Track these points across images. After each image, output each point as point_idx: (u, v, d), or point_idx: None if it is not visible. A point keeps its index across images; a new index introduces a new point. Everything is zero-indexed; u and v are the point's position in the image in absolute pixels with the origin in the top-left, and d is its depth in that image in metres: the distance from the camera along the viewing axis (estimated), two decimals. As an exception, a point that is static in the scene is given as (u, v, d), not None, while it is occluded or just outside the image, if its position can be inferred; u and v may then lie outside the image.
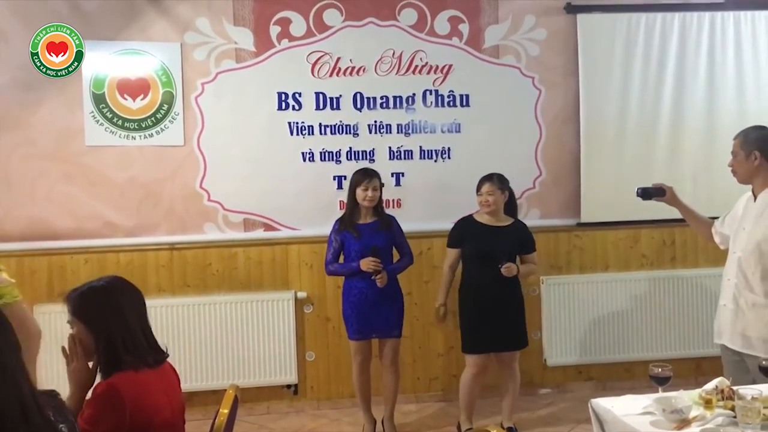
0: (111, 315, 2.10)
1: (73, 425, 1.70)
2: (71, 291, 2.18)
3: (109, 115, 4.49)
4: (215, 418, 2.26)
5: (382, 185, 4.18)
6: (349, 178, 4.42)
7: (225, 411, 2.25)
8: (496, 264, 3.91)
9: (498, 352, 4.08)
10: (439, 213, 4.31)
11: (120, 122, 4.50)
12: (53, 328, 4.22)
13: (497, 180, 4.07)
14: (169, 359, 2.25)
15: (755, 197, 3.08)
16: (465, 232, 4.10)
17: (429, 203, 4.52)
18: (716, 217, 3.38)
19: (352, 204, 4.11)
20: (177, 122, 4.56)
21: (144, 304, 2.23)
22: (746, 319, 3.01)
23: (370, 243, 4.03)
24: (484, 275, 3.99)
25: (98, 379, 2.12)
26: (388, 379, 4.20)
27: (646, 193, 3.36)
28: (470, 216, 4.16)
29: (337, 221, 4.16)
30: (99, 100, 4.47)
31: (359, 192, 4.07)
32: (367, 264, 3.97)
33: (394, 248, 4.18)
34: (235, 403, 2.38)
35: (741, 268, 3.04)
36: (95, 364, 2.13)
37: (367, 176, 4.09)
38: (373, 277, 3.99)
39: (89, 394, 2.10)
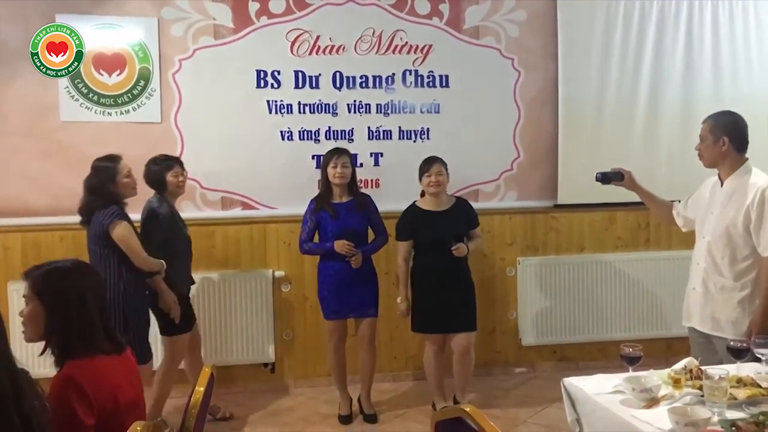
0: (72, 300, 2.01)
1: (42, 401, 1.71)
2: (34, 267, 2.07)
3: (85, 91, 4.43)
4: (191, 396, 2.26)
5: (354, 164, 4.22)
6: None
7: (201, 389, 2.26)
8: (448, 249, 3.95)
9: (449, 333, 4.11)
10: (418, 193, 4.31)
11: (96, 98, 4.45)
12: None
13: (441, 162, 4.10)
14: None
15: (722, 182, 3.12)
16: (415, 223, 4.11)
17: (407, 183, 4.49)
18: (678, 200, 3.42)
19: (326, 184, 4.12)
20: (154, 99, 4.51)
21: (105, 293, 2.16)
22: (715, 302, 3.07)
23: (346, 223, 4.05)
24: (437, 261, 4.04)
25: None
26: (365, 358, 4.24)
27: (605, 178, 3.37)
28: (413, 205, 4.17)
29: (312, 201, 4.16)
30: (74, 75, 4.40)
31: (329, 170, 4.08)
32: (341, 246, 3.99)
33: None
34: (211, 381, 2.38)
35: (710, 252, 3.08)
36: (45, 347, 2.03)
37: (336, 153, 4.11)
38: (347, 259, 4.01)
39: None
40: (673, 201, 3.44)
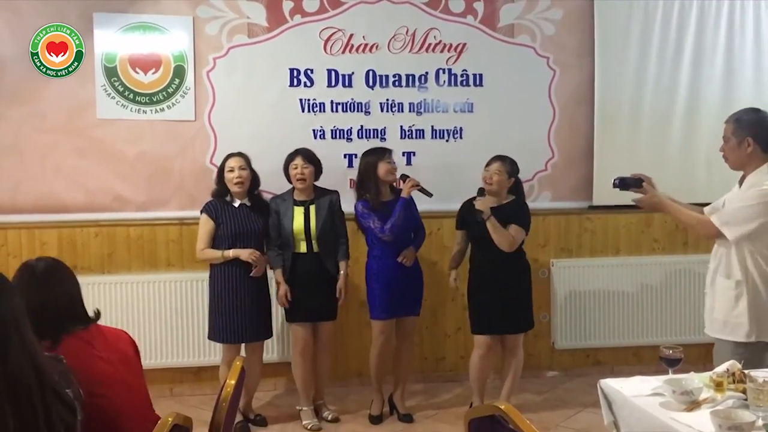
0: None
1: (77, 390, 1.71)
2: None
3: (121, 89, 4.47)
4: (221, 390, 2.25)
5: None
6: (359, 156, 4.39)
7: (232, 382, 2.24)
8: (493, 246, 3.89)
9: (500, 335, 4.05)
10: (450, 193, 4.27)
11: (131, 96, 4.49)
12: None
13: (509, 163, 4.01)
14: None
15: (740, 184, 2.99)
16: (466, 216, 4.08)
17: (439, 183, 4.44)
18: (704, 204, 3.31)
19: (376, 182, 4.06)
20: (188, 97, 4.54)
21: (47, 282, 2.08)
22: (716, 302, 2.99)
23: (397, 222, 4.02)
24: (484, 258, 4.01)
25: None
26: (406, 356, 4.24)
27: (623, 184, 3.14)
28: (472, 199, 4.06)
29: (363, 202, 4.07)
30: (111, 73, 4.45)
31: (384, 166, 4.05)
32: (412, 182, 4.03)
33: None
34: (242, 375, 2.37)
35: (717, 251, 3.00)
36: None
37: (385, 150, 4.13)
38: (400, 260, 4.04)
39: None
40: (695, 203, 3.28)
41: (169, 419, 1.77)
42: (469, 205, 4.08)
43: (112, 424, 1.95)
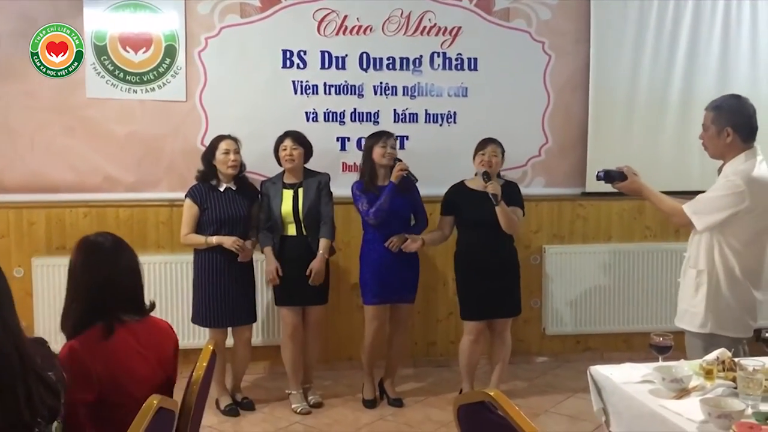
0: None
1: (60, 373, 1.69)
2: None
3: (111, 68, 4.41)
4: (192, 372, 2.22)
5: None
6: (353, 139, 4.42)
7: (203, 365, 2.20)
8: (487, 231, 3.88)
9: (490, 319, 4.05)
10: (443, 178, 4.24)
11: (122, 75, 4.43)
12: (51, 280, 4.26)
13: (498, 144, 4.02)
14: (164, 317, 2.22)
15: (719, 173, 2.97)
16: (457, 200, 4.06)
17: (433, 168, 4.43)
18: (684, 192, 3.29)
19: (371, 167, 4.04)
20: (179, 77, 4.48)
21: (110, 264, 2.10)
22: (685, 292, 2.98)
23: (393, 206, 3.98)
24: (476, 242, 3.99)
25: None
26: (399, 343, 4.24)
27: (608, 176, 3.10)
28: (461, 183, 4.10)
29: (357, 183, 4.07)
30: (100, 51, 4.39)
31: (378, 150, 4.02)
32: (400, 166, 3.96)
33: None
34: (213, 358, 2.33)
35: (692, 241, 2.99)
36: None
37: (383, 134, 4.09)
38: (387, 245, 3.99)
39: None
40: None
41: (154, 402, 1.75)
42: (458, 189, 4.07)
43: (125, 420, 1.94)
